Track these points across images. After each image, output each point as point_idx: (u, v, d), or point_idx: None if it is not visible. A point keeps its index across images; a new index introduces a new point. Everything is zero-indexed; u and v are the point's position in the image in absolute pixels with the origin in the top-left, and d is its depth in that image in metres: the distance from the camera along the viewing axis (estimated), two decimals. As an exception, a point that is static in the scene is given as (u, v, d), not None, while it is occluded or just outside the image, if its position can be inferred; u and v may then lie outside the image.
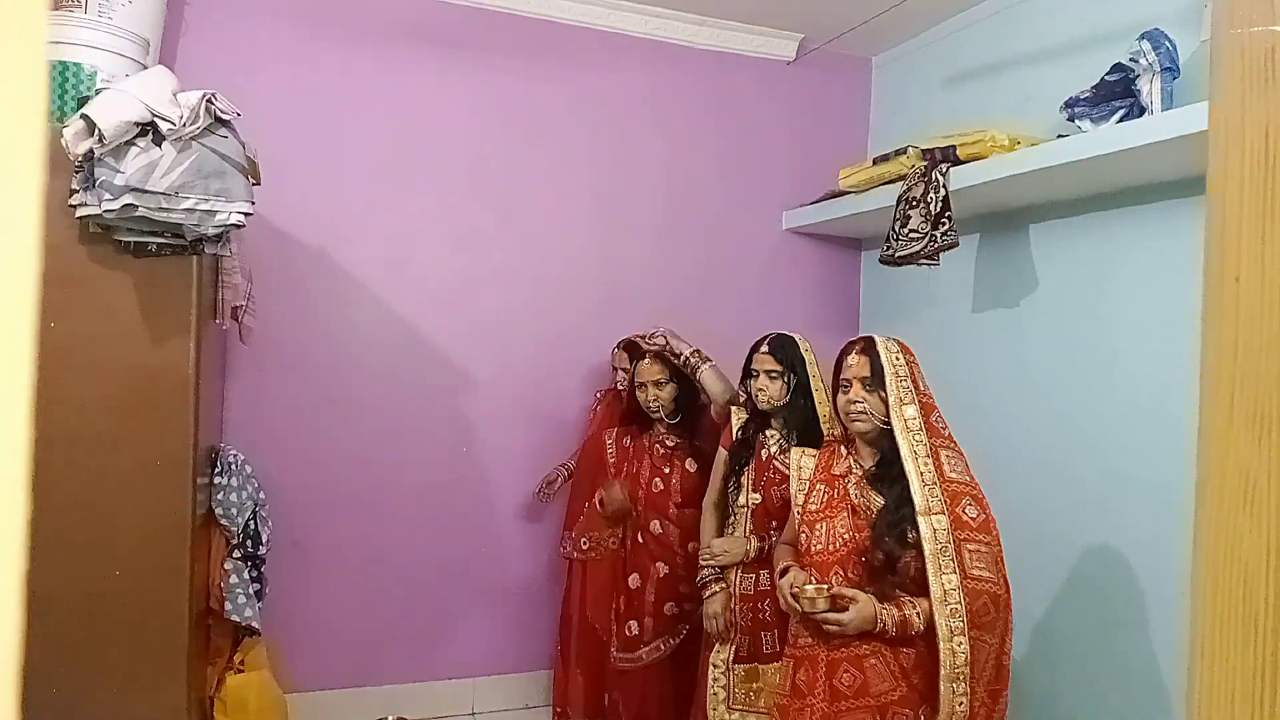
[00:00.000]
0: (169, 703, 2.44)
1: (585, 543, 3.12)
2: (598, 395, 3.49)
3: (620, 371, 3.28)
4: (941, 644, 1.84)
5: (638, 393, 2.85)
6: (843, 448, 2.14)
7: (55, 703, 2.31)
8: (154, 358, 2.38)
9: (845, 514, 2.03)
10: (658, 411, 2.82)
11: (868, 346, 2.05)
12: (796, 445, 2.38)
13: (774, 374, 2.39)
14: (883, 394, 1.99)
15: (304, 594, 3.30)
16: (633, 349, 3.25)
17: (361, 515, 3.39)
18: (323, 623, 3.34)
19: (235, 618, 2.73)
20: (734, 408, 2.63)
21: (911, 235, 3.06)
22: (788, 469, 2.39)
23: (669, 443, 2.85)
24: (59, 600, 2.31)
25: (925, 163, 3.08)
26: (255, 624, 2.80)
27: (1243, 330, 0.56)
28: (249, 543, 2.83)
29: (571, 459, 3.46)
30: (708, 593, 2.68)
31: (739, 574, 2.43)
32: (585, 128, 3.68)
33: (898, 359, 2.02)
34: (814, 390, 2.40)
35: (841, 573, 1.98)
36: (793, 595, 1.96)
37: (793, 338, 2.45)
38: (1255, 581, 0.54)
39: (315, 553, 3.33)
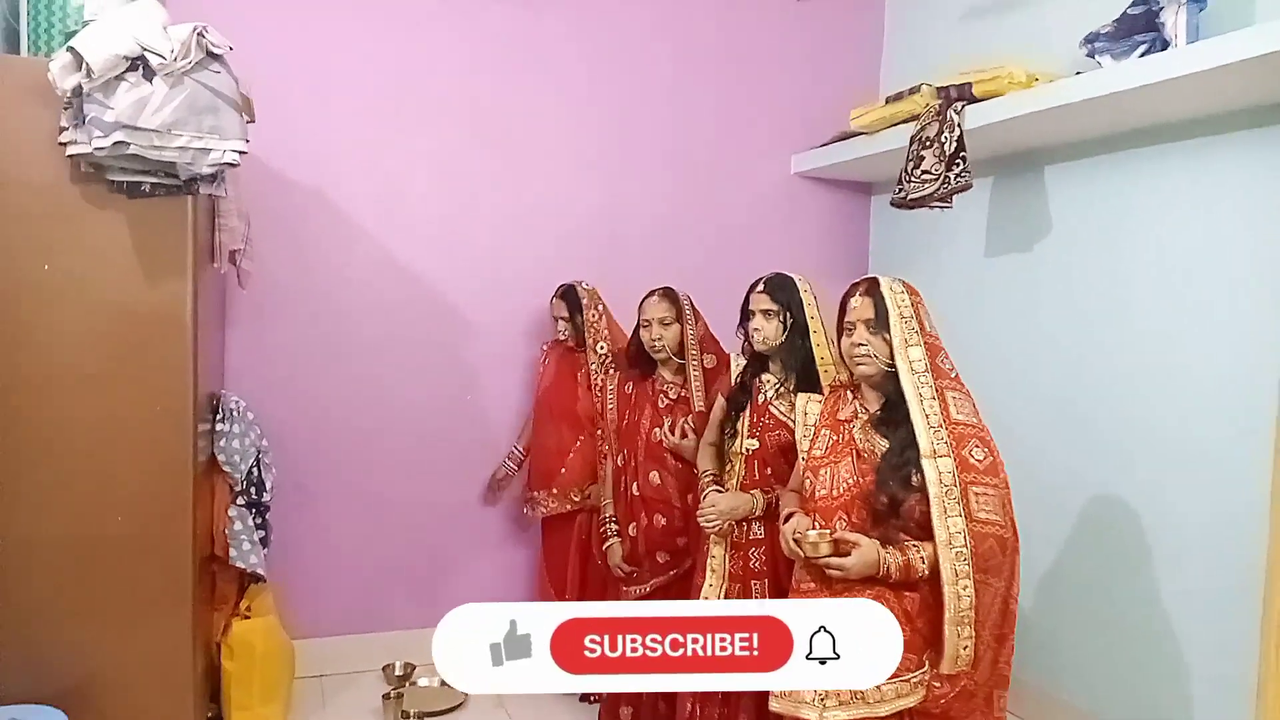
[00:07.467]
0: (173, 648, 2.45)
1: (551, 502, 3.21)
2: (544, 348, 3.41)
3: (560, 321, 3.26)
4: (946, 587, 1.81)
5: (641, 331, 2.80)
6: (849, 392, 2.10)
7: (58, 647, 2.31)
8: (150, 300, 2.35)
9: (850, 459, 1.99)
10: (662, 351, 2.76)
11: (871, 288, 2.00)
12: (795, 389, 2.33)
13: (770, 313, 2.32)
14: (887, 336, 1.94)
15: (309, 540, 3.30)
16: (570, 297, 3.21)
17: (365, 460, 3.38)
18: (328, 568, 3.35)
19: (240, 564, 2.75)
20: (733, 355, 2.58)
21: (924, 177, 2.98)
22: (782, 415, 2.35)
23: (672, 393, 2.80)
24: (60, 545, 2.30)
25: (940, 101, 2.99)
26: (260, 570, 2.81)
27: None
28: (253, 490, 2.82)
29: (516, 444, 3.47)
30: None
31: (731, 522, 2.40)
32: (587, 65, 3.59)
33: (902, 300, 1.96)
34: (812, 332, 2.33)
35: (846, 517, 1.95)
36: (795, 541, 1.94)
37: (791, 277, 2.38)
38: None
39: (319, 499, 3.32)
